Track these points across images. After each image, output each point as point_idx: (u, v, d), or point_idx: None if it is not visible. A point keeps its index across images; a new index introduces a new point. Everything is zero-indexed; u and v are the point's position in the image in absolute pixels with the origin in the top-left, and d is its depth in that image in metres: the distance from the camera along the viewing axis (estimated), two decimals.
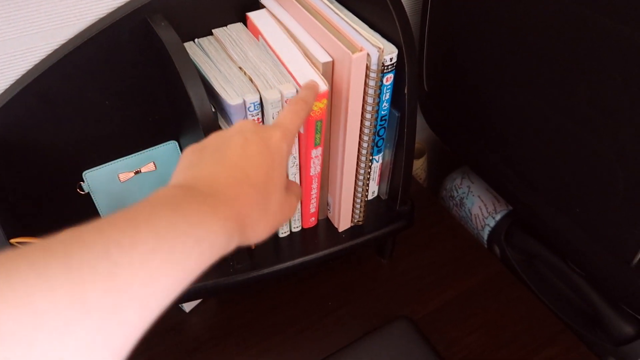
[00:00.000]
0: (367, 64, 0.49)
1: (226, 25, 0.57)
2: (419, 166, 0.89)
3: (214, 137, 0.37)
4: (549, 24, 0.51)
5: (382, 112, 0.58)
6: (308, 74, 0.48)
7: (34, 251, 0.21)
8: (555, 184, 0.58)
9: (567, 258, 0.67)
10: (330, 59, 0.49)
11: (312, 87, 0.45)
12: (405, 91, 0.55)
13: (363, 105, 0.52)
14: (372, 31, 0.54)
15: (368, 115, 0.53)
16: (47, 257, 0.21)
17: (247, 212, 0.32)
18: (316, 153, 0.54)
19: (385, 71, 0.53)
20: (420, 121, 0.85)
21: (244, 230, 0.32)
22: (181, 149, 0.64)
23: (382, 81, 0.54)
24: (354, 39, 0.48)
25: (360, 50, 0.47)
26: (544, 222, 0.63)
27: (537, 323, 0.69)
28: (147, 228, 0.25)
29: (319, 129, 0.51)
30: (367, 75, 0.50)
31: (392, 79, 0.54)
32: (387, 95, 0.56)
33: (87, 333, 0.20)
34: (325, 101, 0.49)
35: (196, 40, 0.56)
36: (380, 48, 0.49)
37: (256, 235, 0.34)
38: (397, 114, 0.58)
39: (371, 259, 0.76)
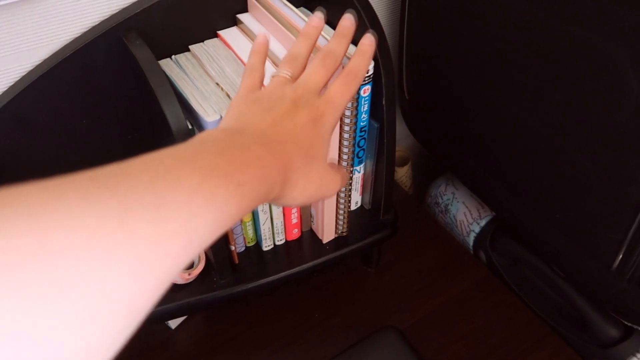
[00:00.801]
0: None
1: (203, 41, 0.57)
2: (403, 174, 0.89)
3: (268, 92, 0.37)
4: (521, 32, 0.51)
5: (362, 124, 0.58)
6: None
7: (81, 179, 0.22)
8: (534, 190, 0.58)
9: (551, 263, 0.68)
10: None
11: (365, 52, 0.43)
12: (383, 102, 0.55)
13: (340, 118, 0.52)
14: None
15: (346, 128, 0.53)
16: (94, 186, 0.21)
17: (290, 167, 0.33)
18: None
19: (362, 83, 0.53)
20: (404, 129, 0.85)
21: (284, 185, 0.32)
22: None
23: (359, 93, 0.54)
24: None
25: None
26: (526, 227, 0.63)
27: (524, 327, 0.69)
28: (191, 166, 0.25)
29: None
30: None
31: (369, 90, 0.55)
32: (365, 107, 0.56)
33: (134, 259, 0.20)
34: None
35: (173, 57, 0.56)
36: None
37: (292, 196, 0.34)
38: (376, 125, 0.58)
39: (358, 268, 0.76)
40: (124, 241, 0.20)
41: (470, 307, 0.72)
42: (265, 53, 0.43)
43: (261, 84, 0.40)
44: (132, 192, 0.22)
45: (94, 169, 0.23)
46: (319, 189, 0.36)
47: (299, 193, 0.34)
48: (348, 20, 0.44)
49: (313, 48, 0.43)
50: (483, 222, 0.79)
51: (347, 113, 0.52)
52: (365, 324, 0.69)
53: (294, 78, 0.39)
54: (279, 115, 0.35)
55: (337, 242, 0.66)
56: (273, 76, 0.39)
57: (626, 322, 0.59)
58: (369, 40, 0.43)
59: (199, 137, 0.30)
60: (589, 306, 0.65)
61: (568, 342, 0.66)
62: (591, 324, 0.65)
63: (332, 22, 0.57)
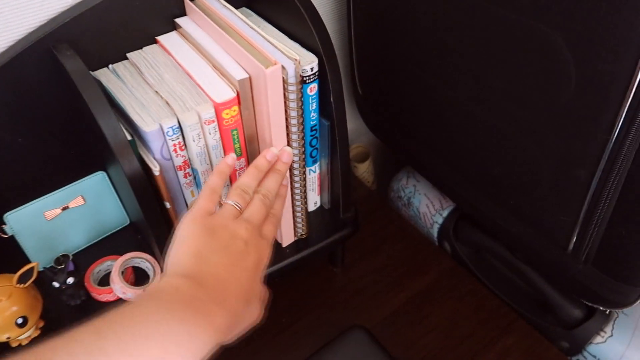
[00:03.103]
0: (283, 77, 0.48)
1: (142, 48, 0.55)
2: (364, 169, 0.89)
3: (222, 224, 0.42)
4: (459, 20, 0.51)
5: (311, 123, 0.57)
6: (224, 93, 0.47)
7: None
8: (488, 178, 0.58)
9: (511, 249, 0.68)
10: (246, 76, 0.48)
11: (282, 195, 0.51)
12: (331, 100, 0.54)
13: (287, 118, 0.51)
14: (291, 42, 0.53)
15: (294, 129, 0.52)
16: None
17: (235, 323, 0.39)
18: (240, 164, 0.53)
19: (307, 81, 0.52)
20: (361, 124, 0.85)
21: (226, 337, 0.38)
22: (110, 179, 0.61)
23: (306, 92, 0.53)
24: (268, 52, 0.47)
25: (275, 64, 0.46)
26: (484, 215, 0.63)
27: (491, 315, 0.69)
28: (160, 339, 0.33)
29: (237, 138, 0.50)
30: (285, 89, 0.48)
31: (316, 88, 0.54)
32: (313, 105, 0.55)
33: None
34: (235, 108, 0.47)
35: (110, 66, 0.54)
36: (296, 59, 0.48)
37: (227, 339, 0.39)
38: (327, 123, 0.57)
39: (323, 268, 0.75)
40: None
41: (437, 299, 0.71)
42: (228, 175, 0.48)
43: (216, 206, 0.44)
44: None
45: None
46: (246, 324, 0.42)
47: (234, 336, 0.40)
48: (286, 155, 0.51)
49: (260, 180, 0.48)
50: (445, 213, 0.79)
51: (293, 114, 0.51)
52: (333, 324, 0.68)
53: (242, 211, 0.45)
54: (234, 259, 0.41)
55: (298, 244, 0.64)
56: (223, 204, 0.44)
57: (587, 303, 0.60)
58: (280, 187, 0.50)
59: (167, 291, 0.36)
60: (551, 289, 0.66)
61: (535, 326, 0.67)
62: (555, 306, 0.66)
63: (275, 21, 0.56)
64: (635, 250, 0.48)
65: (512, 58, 0.46)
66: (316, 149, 0.60)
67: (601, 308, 0.61)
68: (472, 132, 0.56)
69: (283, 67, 0.47)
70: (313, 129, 0.58)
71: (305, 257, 0.64)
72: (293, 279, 0.73)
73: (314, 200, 0.66)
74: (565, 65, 0.42)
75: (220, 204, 0.45)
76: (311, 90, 0.53)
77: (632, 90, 0.39)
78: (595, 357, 0.64)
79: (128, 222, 0.66)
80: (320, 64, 0.52)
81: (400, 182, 0.86)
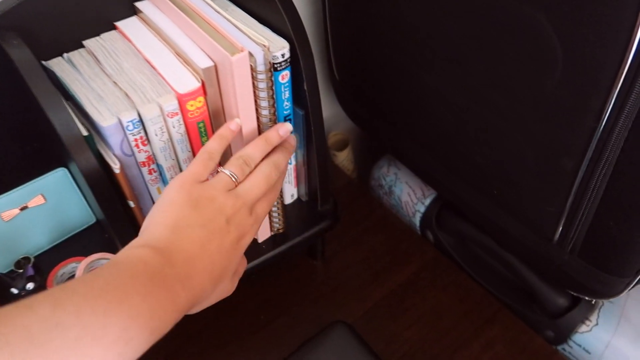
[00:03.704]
0: (251, 65, 0.44)
1: (99, 35, 0.51)
2: (344, 157, 0.86)
3: (210, 196, 0.39)
4: (443, 3, 0.48)
5: (285, 112, 0.53)
6: (188, 83, 0.44)
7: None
8: (471, 167, 0.56)
9: (495, 239, 0.66)
10: (211, 64, 0.44)
11: (283, 172, 0.47)
12: (305, 87, 0.51)
13: (257, 109, 0.48)
14: (260, 27, 0.50)
15: (265, 119, 0.49)
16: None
17: (200, 299, 0.37)
18: None
19: (279, 68, 0.49)
20: (340, 110, 0.82)
21: (190, 311, 0.37)
22: (72, 175, 0.57)
23: (277, 80, 0.49)
24: (235, 38, 0.44)
25: (241, 51, 0.43)
26: (467, 205, 0.61)
27: (475, 306, 0.68)
28: (119, 309, 0.31)
29: (204, 131, 0.47)
30: (254, 77, 0.45)
31: (288, 76, 0.50)
32: (286, 94, 0.52)
33: None
34: (201, 99, 0.44)
35: (65, 55, 0.50)
36: (264, 45, 0.45)
37: (191, 312, 0.38)
38: (301, 113, 0.54)
39: (302, 262, 0.72)
40: None
41: (420, 290, 0.70)
42: (229, 142, 0.45)
43: (209, 174, 0.42)
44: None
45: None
46: (215, 299, 0.42)
47: (200, 308, 0.40)
48: (293, 140, 0.49)
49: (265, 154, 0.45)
50: (428, 201, 0.77)
51: (264, 104, 0.47)
52: (313, 320, 0.66)
53: (238, 183, 0.42)
54: (211, 236, 0.39)
55: (275, 239, 0.62)
56: (219, 172, 0.42)
57: (572, 293, 0.58)
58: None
59: (133, 263, 0.34)
60: (536, 278, 0.64)
61: (519, 316, 0.65)
62: (540, 295, 0.65)
63: (243, 4, 0.52)
64: (623, 241, 0.46)
65: (494, 42, 0.44)
66: None
67: (587, 298, 0.60)
68: (453, 120, 0.54)
69: (251, 54, 0.43)
70: (287, 118, 0.55)
71: (282, 252, 0.62)
72: (271, 274, 0.71)
73: (290, 193, 0.64)
74: (551, 49, 0.39)
75: (217, 172, 0.42)
76: (283, 78, 0.50)
77: (621, 75, 0.36)
78: (580, 346, 0.63)
79: (94, 220, 0.62)
80: (292, 49, 0.49)
81: (381, 170, 0.83)
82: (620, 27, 0.35)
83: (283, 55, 0.48)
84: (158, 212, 0.39)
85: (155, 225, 0.38)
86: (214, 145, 0.43)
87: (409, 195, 0.79)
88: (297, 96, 0.53)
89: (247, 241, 0.42)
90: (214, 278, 0.39)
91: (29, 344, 0.27)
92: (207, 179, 0.41)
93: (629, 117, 0.38)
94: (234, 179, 0.42)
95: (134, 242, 0.37)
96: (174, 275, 0.35)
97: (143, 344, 0.32)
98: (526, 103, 0.44)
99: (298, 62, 0.49)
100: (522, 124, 0.45)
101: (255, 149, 0.44)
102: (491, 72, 0.45)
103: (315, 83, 0.51)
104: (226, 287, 0.42)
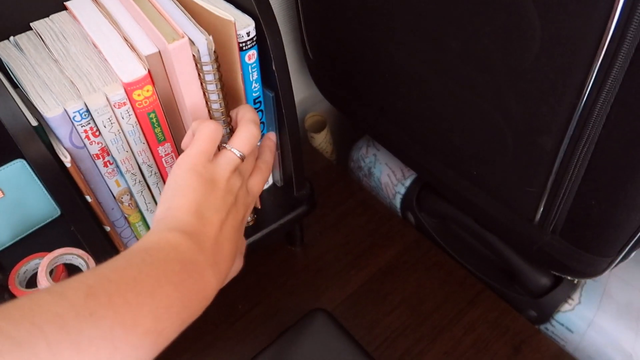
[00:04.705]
0: (194, 55, 0.41)
1: (49, 16, 0.48)
2: (322, 139, 0.84)
3: (223, 175, 0.39)
4: None
5: (254, 95, 0.51)
6: (134, 71, 0.40)
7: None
8: (449, 147, 0.54)
9: (476, 220, 0.65)
10: (155, 50, 0.41)
11: (271, 148, 0.49)
12: (273, 67, 0.48)
13: (207, 102, 0.45)
14: (224, 3, 0.47)
15: (217, 114, 0.45)
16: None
17: (224, 279, 0.38)
18: (165, 150, 0.47)
19: (244, 48, 0.46)
20: (317, 92, 0.79)
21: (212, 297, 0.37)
22: (31, 167, 0.54)
23: (244, 60, 0.47)
24: (176, 23, 0.40)
25: (182, 37, 0.39)
26: (447, 186, 0.60)
27: (458, 287, 0.66)
28: (151, 302, 0.31)
29: (156, 122, 0.44)
30: (199, 69, 0.42)
31: (255, 55, 0.48)
32: (254, 75, 0.49)
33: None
34: (149, 88, 0.41)
35: (12, 38, 0.46)
36: (207, 35, 0.41)
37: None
38: (270, 94, 0.51)
39: (281, 249, 0.70)
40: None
41: (401, 274, 0.68)
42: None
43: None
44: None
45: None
46: (227, 280, 0.40)
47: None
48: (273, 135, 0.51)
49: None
50: (408, 182, 0.75)
51: (214, 97, 0.44)
52: (293, 309, 0.64)
53: (242, 159, 0.41)
54: (225, 216, 0.39)
55: (251, 227, 0.59)
56: (227, 149, 0.41)
57: (555, 273, 0.57)
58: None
59: (164, 249, 0.34)
60: (518, 258, 0.63)
61: (502, 296, 0.64)
62: (522, 275, 0.64)
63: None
64: (605, 220, 0.44)
65: (469, 15, 0.41)
66: (262, 122, 0.54)
67: (569, 278, 0.59)
68: (429, 99, 0.51)
69: (192, 43, 0.40)
70: (256, 101, 0.52)
71: (258, 240, 0.60)
72: (248, 262, 0.68)
73: None
74: (529, 20, 0.37)
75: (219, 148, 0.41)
76: (250, 58, 0.47)
77: (602, 48, 0.34)
78: (563, 325, 0.62)
79: (59, 213, 0.59)
80: (258, 28, 0.46)
81: (360, 151, 0.81)
82: None
83: (249, 34, 0.45)
84: (177, 197, 0.37)
85: (177, 209, 0.37)
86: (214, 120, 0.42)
87: (389, 177, 0.77)
88: (267, 77, 0.50)
89: (246, 217, 0.43)
90: (233, 260, 0.39)
91: (65, 334, 0.26)
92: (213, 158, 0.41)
93: (611, 92, 0.36)
94: (239, 156, 0.41)
95: (160, 226, 0.36)
96: (205, 261, 0.35)
97: (174, 333, 0.32)
98: (503, 79, 0.41)
99: (265, 41, 0.46)
100: (499, 102, 0.43)
101: (258, 130, 0.44)
102: (466, 47, 0.43)
103: (284, 63, 0.48)
104: (237, 266, 0.42)
